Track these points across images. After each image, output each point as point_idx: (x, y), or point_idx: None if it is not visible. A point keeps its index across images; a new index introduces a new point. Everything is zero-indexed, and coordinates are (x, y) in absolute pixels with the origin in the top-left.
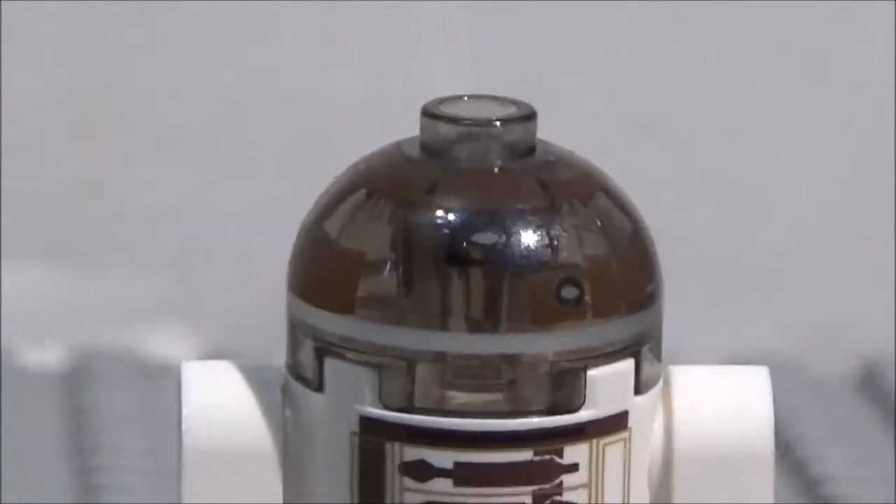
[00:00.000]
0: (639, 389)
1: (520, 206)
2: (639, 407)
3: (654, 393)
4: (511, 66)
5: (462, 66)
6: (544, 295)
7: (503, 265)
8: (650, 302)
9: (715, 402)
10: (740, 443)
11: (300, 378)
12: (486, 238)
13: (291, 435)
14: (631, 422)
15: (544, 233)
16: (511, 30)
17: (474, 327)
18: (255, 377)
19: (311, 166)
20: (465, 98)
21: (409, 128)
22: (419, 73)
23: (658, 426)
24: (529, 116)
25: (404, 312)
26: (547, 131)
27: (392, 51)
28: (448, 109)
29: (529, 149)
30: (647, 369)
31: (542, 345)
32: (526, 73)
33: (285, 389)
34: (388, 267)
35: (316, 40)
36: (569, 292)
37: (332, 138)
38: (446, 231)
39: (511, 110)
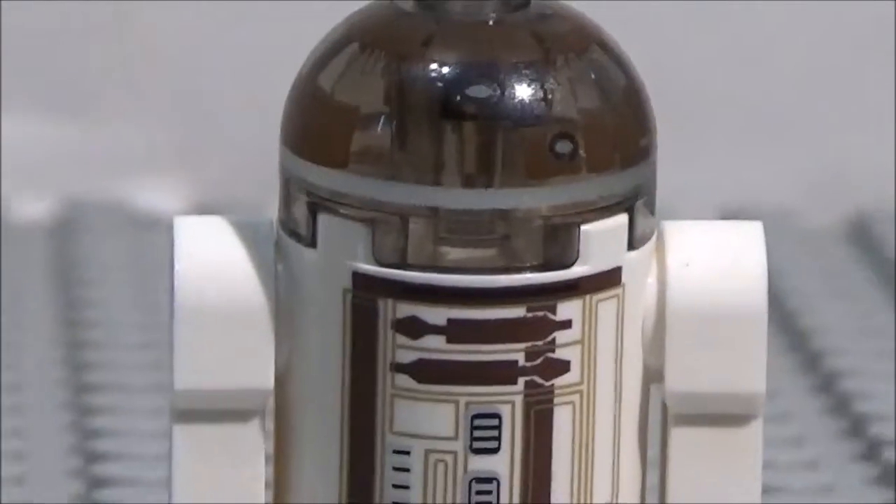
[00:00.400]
0: (632, 245)
1: (514, 60)
2: (632, 262)
3: (648, 248)
4: None
5: None
6: (538, 149)
7: (497, 119)
8: (644, 156)
9: (708, 258)
10: (733, 298)
11: (293, 234)
12: (480, 92)
13: (284, 291)
14: (624, 277)
15: (539, 87)
16: None
17: (468, 182)
18: (248, 232)
19: (310, 16)
20: None
21: None
22: None
23: (651, 282)
24: None
25: (398, 167)
26: None
27: None
28: None
29: (524, 2)
30: (641, 224)
31: (536, 199)
32: None
33: (278, 245)
34: (381, 121)
35: None
36: (563, 146)
37: None
38: (440, 85)
39: None
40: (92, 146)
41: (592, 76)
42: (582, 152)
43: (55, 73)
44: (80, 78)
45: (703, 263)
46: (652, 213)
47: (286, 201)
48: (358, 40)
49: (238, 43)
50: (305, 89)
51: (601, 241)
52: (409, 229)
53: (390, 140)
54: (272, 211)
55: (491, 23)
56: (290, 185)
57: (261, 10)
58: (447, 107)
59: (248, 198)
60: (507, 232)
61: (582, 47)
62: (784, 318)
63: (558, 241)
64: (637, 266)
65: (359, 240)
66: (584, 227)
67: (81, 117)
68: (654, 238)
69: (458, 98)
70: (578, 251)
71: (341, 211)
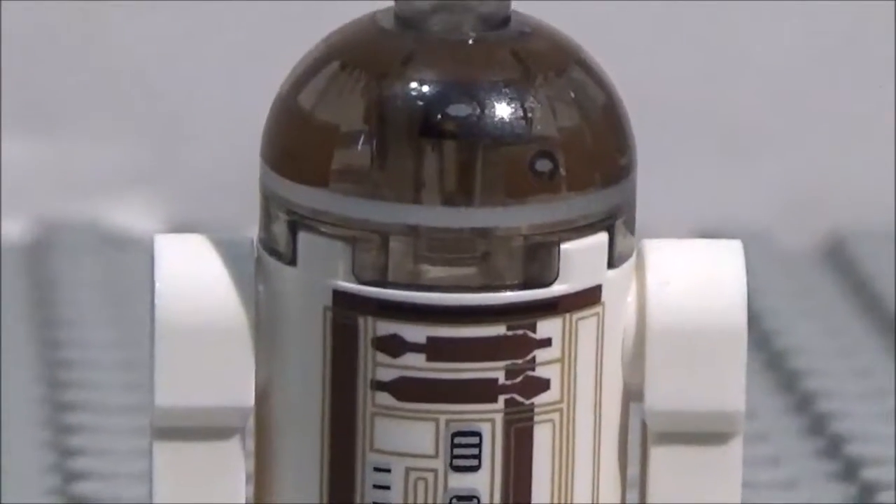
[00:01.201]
0: (612, 263)
1: (494, 78)
2: (612, 281)
3: (628, 267)
4: None
5: None
6: (518, 167)
7: (477, 137)
8: (624, 174)
9: (688, 276)
10: (713, 317)
11: (273, 252)
12: (459, 110)
13: (264, 309)
14: (604, 296)
15: (518, 105)
16: None
17: (448, 200)
18: (228, 251)
19: (290, 33)
20: None
21: None
22: None
23: (631, 300)
24: None
25: (378, 185)
26: None
27: None
28: None
29: (504, 20)
30: (621, 243)
31: (516, 218)
32: None
33: (258, 263)
34: (361, 139)
35: None
36: (543, 165)
37: (310, 7)
38: (420, 103)
39: None
40: (66, 166)
41: (572, 95)
42: (562, 171)
43: (28, 92)
44: (53, 97)
45: (683, 282)
46: (632, 231)
47: (266, 219)
48: (338, 59)
49: (211, 61)
50: (286, 107)
51: (581, 260)
52: (389, 247)
53: (370, 158)
54: (247, 230)
55: (470, 41)
56: (270, 203)
57: (235, 29)
58: (427, 125)
59: (223, 217)
60: (487, 250)
61: (561, 66)
62: (760, 337)
63: (538, 260)
64: (617, 284)
65: (339, 258)
66: (563, 246)
67: (55, 137)
68: (633, 257)
69: (438, 116)
70: (558, 270)
71: (321, 229)
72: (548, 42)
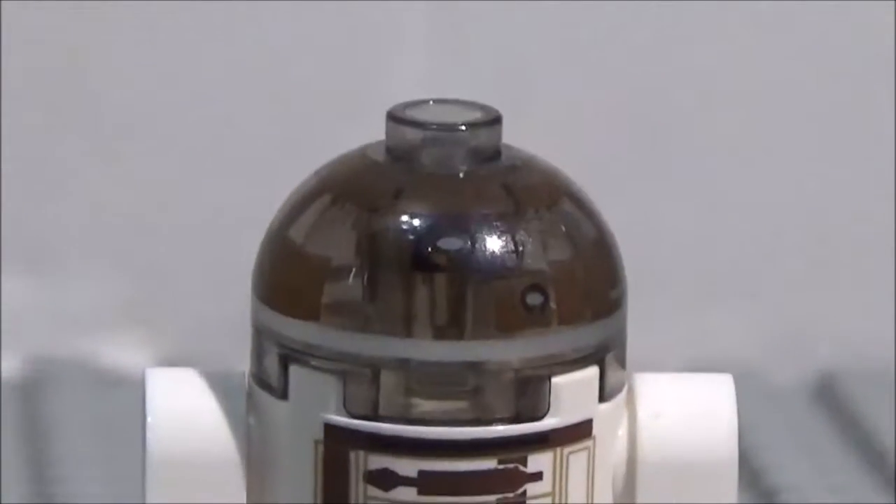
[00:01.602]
0: (603, 397)
1: (485, 212)
2: (603, 414)
3: (619, 400)
4: (482, 60)
5: (431, 62)
6: (509, 302)
7: (468, 272)
8: (615, 308)
9: (679, 411)
10: (704, 451)
11: (265, 385)
12: (450, 244)
13: (256, 442)
14: (595, 429)
15: (509, 239)
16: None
17: (439, 334)
18: (220, 385)
19: (278, 170)
20: (431, 102)
21: (376, 128)
22: (388, 71)
23: (622, 434)
24: (494, 121)
25: (369, 319)
26: (516, 126)
27: (363, 46)
28: (413, 114)
29: (495, 153)
30: (612, 376)
31: (507, 352)
32: (499, 67)
33: (250, 397)
34: (352, 273)
35: (287, 36)
36: (534, 299)
37: (299, 141)
38: (411, 237)
39: (476, 114)
40: (60, 303)
41: (563, 228)
42: (553, 305)
43: (22, 230)
44: (41, 236)
45: (674, 415)
46: (622, 365)
47: (258, 353)
48: (329, 192)
49: (199, 199)
50: (277, 241)
51: (572, 394)
52: (380, 381)
53: (362, 292)
54: (240, 366)
55: (461, 175)
56: (261, 337)
57: (223, 165)
58: (418, 259)
59: (213, 354)
60: (478, 384)
61: (552, 200)
62: (751, 475)
63: (529, 394)
64: (608, 418)
65: (330, 391)
66: (554, 380)
67: (49, 275)
68: (624, 390)
69: (429, 250)
70: (549, 404)
71: (313, 363)
72: (538, 175)
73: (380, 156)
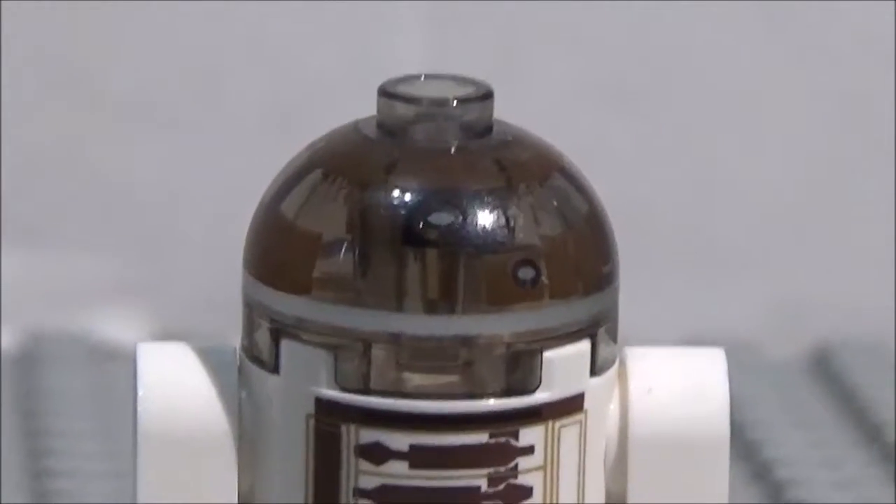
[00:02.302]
0: (595, 371)
1: (476, 187)
2: (595, 389)
3: (610, 374)
4: (476, 33)
5: (427, 38)
6: (500, 276)
7: (459, 246)
8: (606, 283)
9: (671, 385)
10: (696, 425)
11: (256, 360)
12: (442, 219)
13: (247, 417)
14: (587, 404)
15: (501, 213)
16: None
17: (430, 308)
18: (211, 359)
19: (271, 143)
20: (423, 77)
21: (373, 106)
22: (385, 45)
23: (614, 408)
24: (486, 96)
25: (360, 293)
26: (509, 100)
27: (360, 23)
28: (405, 89)
29: (486, 128)
30: (603, 351)
31: (499, 326)
32: (491, 40)
33: (241, 371)
34: (344, 248)
35: (285, 15)
36: (525, 273)
37: (301, 115)
38: (402, 212)
39: (469, 90)
40: (54, 278)
41: (554, 203)
42: (544, 279)
43: (16, 205)
44: (40, 210)
45: (666, 389)
46: (614, 339)
47: (249, 328)
48: (321, 167)
49: (194, 172)
50: (268, 216)
51: (564, 368)
52: (371, 355)
53: (353, 266)
54: (233, 340)
55: (453, 150)
56: (252, 312)
57: (216, 142)
58: (409, 233)
59: (207, 328)
60: (470, 358)
61: (544, 174)
62: (746, 448)
63: (520, 368)
64: (599, 392)
65: (322, 366)
66: (546, 354)
67: (42, 249)
68: (616, 364)
69: (421, 225)
70: (541, 378)
71: (304, 337)
72: (530, 151)
73: (371, 131)
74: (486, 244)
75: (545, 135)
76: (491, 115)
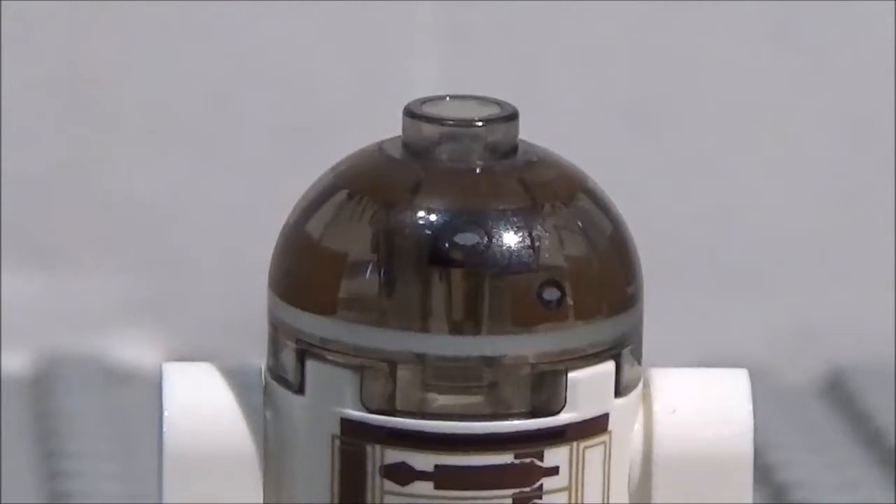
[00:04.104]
0: (619, 392)
1: (501, 207)
2: (619, 409)
3: (635, 395)
4: (495, 56)
5: (447, 58)
6: (525, 297)
7: (484, 267)
8: (631, 303)
9: (695, 405)
10: (720, 446)
11: (281, 380)
12: (467, 239)
13: (272, 437)
14: (611, 424)
15: (526, 234)
16: (494, 20)
17: (455, 329)
18: (236, 379)
19: (286, 164)
20: (448, 98)
21: (392, 124)
22: (401, 65)
23: (638, 428)
24: (511, 116)
25: (385, 314)
26: (531, 121)
27: (376, 43)
28: (430, 110)
29: (511, 149)
30: (628, 371)
31: (523, 347)
32: (513, 63)
33: (266, 391)
34: (369, 268)
35: (301, 34)
36: (550, 294)
37: (317, 135)
38: (428, 232)
39: (493, 110)
40: (68, 299)
41: (579, 224)
42: (569, 300)
43: (29, 226)
44: (54, 231)
45: (690, 410)
46: (639, 360)
47: (274, 348)
48: (346, 187)
49: (209, 193)
50: (294, 236)
51: (588, 389)
52: (397, 375)
53: (378, 287)
54: (249, 361)
55: (478, 170)
56: (278, 332)
57: (231, 162)
58: (435, 254)
59: (223, 349)
60: (495, 379)
61: (569, 195)
62: (763, 471)
63: (545, 389)
64: (624, 413)
65: (347, 386)
66: (571, 375)
67: (56, 270)
68: (640, 385)
69: (446, 245)
70: (566, 398)
71: (329, 357)
72: (555, 171)
73: (396, 151)
74: (511, 265)
75: (563, 154)
76: (516, 135)
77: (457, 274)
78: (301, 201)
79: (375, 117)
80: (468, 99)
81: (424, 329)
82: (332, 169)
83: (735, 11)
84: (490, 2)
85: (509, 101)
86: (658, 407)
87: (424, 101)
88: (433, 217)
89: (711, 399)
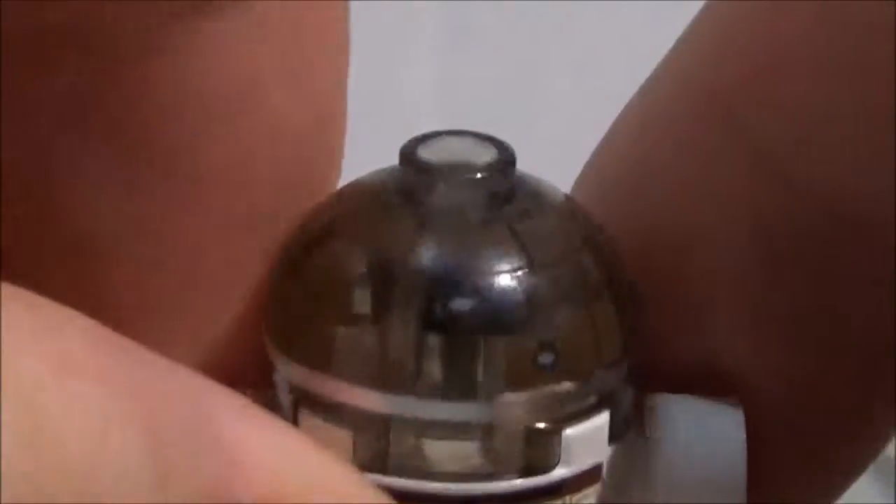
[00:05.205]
0: (613, 437)
1: (497, 268)
2: (613, 455)
3: (630, 435)
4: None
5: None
6: (520, 361)
7: (479, 332)
8: (629, 351)
9: (688, 437)
10: (712, 476)
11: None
12: (462, 304)
13: None
14: (605, 471)
15: (521, 297)
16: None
17: (449, 394)
18: None
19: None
20: (444, 136)
21: (391, 123)
22: (399, 68)
23: (630, 459)
24: (509, 162)
25: (379, 376)
26: (523, 123)
27: (374, 43)
28: (426, 153)
29: (508, 194)
30: (623, 413)
31: (518, 410)
32: (515, 68)
33: None
34: (364, 329)
35: None
36: (545, 358)
37: None
38: (423, 296)
39: (490, 154)
40: None
41: (576, 279)
42: (564, 360)
43: None
44: None
45: (683, 440)
46: (635, 395)
47: (270, 381)
48: (342, 235)
49: None
50: (287, 282)
51: (583, 443)
52: (390, 436)
53: (372, 349)
54: None
55: (474, 224)
56: (273, 370)
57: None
58: (430, 319)
59: None
60: (489, 440)
61: (566, 248)
62: None
63: (540, 447)
64: (617, 458)
65: (339, 442)
66: (566, 432)
67: None
68: (635, 421)
69: (441, 310)
70: (560, 455)
71: (322, 411)
72: (552, 219)
73: (392, 196)
74: (507, 330)
75: (556, 160)
76: (513, 180)
77: (451, 339)
78: (296, 239)
79: (375, 118)
80: (465, 136)
81: (418, 393)
82: (328, 207)
83: None
84: (488, 2)
85: (501, 105)
86: (651, 435)
87: (420, 140)
88: (429, 280)
89: (705, 430)
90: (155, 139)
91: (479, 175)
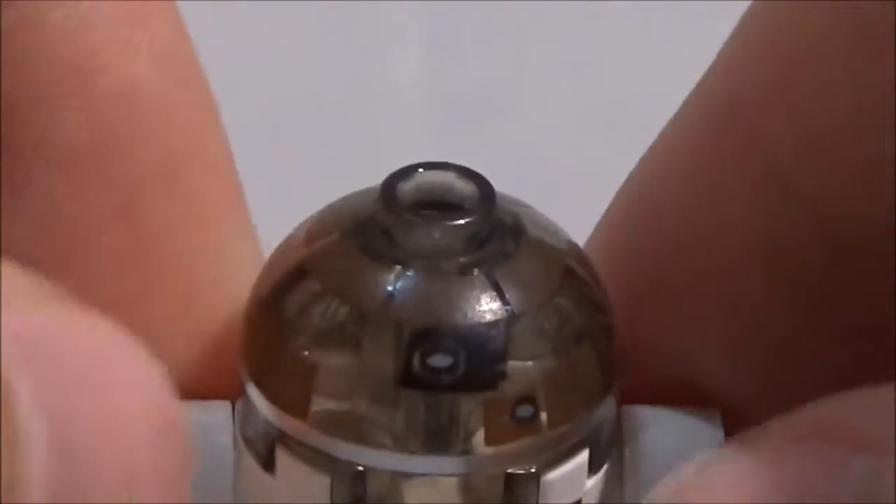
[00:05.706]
0: (592, 469)
1: (476, 322)
2: (592, 487)
3: (607, 465)
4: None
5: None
6: (499, 415)
7: (457, 389)
8: (608, 391)
9: (666, 448)
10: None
11: (253, 450)
12: (439, 361)
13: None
14: (583, 501)
15: (500, 350)
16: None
17: (428, 449)
18: (207, 430)
19: (282, 164)
20: (421, 170)
21: (377, 124)
22: (383, 66)
23: (606, 477)
24: (488, 201)
25: (356, 430)
26: (511, 125)
27: (359, 43)
28: (406, 189)
29: (487, 234)
30: (602, 446)
31: (497, 462)
32: (490, 66)
33: (237, 451)
34: (341, 383)
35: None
36: (524, 411)
37: (289, 135)
38: (401, 353)
39: (470, 190)
40: None
41: (556, 327)
42: (543, 412)
43: None
44: None
45: (660, 452)
46: (614, 437)
47: (247, 413)
48: (317, 279)
49: None
50: (263, 323)
51: (562, 484)
52: (367, 485)
53: (350, 403)
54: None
55: (452, 274)
56: (250, 405)
57: None
58: (407, 376)
59: None
60: (467, 491)
61: (544, 296)
62: None
63: (519, 492)
64: (596, 487)
65: (316, 485)
66: (545, 478)
67: None
68: (613, 452)
69: (418, 367)
70: (538, 498)
71: (299, 454)
72: (534, 261)
73: (371, 237)
74: (485, 385)
75: (546, 161)
76: (492, 218)
77: (429, 395)
78: (271, 272)
79: (360, 117)
80: (447, 170)
81: (396, 447)
82: (304, 240)
83: (732, 13)
84: (474, 3)
85: (489, 106)
86: (627, 451)
87: (399, 175)
88: (406, 336)
89: (682, 441)
90: None
91: (457, 221)
